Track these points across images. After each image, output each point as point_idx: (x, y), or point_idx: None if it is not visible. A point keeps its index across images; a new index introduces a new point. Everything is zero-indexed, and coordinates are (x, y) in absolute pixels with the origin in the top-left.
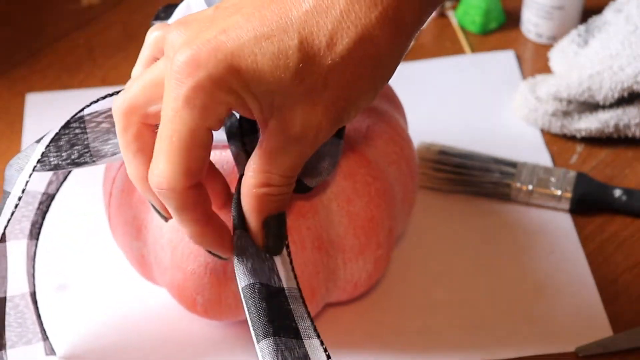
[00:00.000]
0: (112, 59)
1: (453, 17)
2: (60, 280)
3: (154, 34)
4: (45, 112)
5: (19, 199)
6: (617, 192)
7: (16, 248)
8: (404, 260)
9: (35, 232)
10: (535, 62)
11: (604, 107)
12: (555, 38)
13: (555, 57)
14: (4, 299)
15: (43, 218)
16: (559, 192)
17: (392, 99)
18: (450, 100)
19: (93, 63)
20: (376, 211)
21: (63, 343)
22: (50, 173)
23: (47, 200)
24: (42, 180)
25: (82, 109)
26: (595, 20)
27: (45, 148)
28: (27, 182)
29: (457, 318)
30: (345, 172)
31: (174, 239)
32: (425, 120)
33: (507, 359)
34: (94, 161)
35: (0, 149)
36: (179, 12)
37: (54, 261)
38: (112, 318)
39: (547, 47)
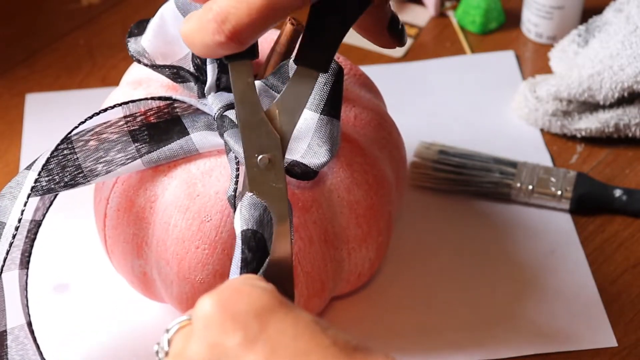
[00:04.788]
0: (112, 59)
1: (453, 17)
2: (56, 286)
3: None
4: (44, 113)
5: (16, 229)
6: (617, 192)
7: (10, 279)
8: (403, 260)
9: (25, 261)
10: (535, 62)
11: (604, 107)
12: (555, 38)
13: (555, 57)
14: (5, 332)
15: (31, 246)
16: (559, 192)
17: (370, 86)
18: (450, 100)
19: (93, 63)
20: (375, 198)
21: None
22: (37, 199)
23: (35, 227)
24: (30, 208)
25: (70, 131)
26: (596, 20)
27: (37, 174)
28: (23, 210)
29: (457, 317)
30: (342, 163)
31: (180, 252)
32: (425, 120)
33: (507, 358)
34: (88, 181)
35: (0, 149)
36: (152, 25)
37: (48, 267)
38: (109, 328)
39: (547, 47)
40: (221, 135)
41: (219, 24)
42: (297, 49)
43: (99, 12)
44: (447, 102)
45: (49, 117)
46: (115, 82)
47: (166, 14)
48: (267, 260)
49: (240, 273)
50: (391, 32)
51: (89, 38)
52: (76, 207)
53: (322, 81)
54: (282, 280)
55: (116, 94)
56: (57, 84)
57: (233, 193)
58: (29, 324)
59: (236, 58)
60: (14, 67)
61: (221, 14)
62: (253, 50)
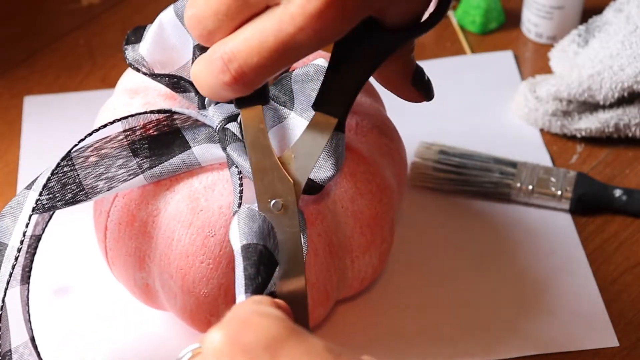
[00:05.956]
0: (112, 59)
1: (453, 17)
2: (56, 290)
3: None
4: (43, 115)
5: (19, 250)
6: (617, 192)
7: (12, 296)
8: (404, 260)
9: (25, 276)
10: (535, 62)
11: (604, 107)
12: (555, 38)
13: (555, 57)
14: (10, 351)
15: (32, 261)
16: (559, 192)
17: (369, 90)
18: (450, 100)
19: (93, 63)
20: (379, 206)
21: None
22: (37, 215)
23: (35, 242)
24: (30, 224)
25: (71, 148)
26: (596, 20)
27: (38, 194)
28: (25, 232)
29: (458, 318)
30: (345, 173)
31: (184, 266)
32: (425, 120)
33: (507, 358)
34: (90, 198)
35: (0, 149)
36: (150, 33)
37: (48, 271)
38: (110, 333)
39: (547, 47)
40: (223, 148)
41: (225, 62)
42: (317, 93)
43: (99, 12)
44: (447, 102)
45: (48, 118)
46: (115, 82)
47: (165, 21)
48: (275, 284)
49: (246, 290)
50: (416, 85)
51: (89, 38)
52: (76, 210)
53: None
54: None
55: (113, 103)
56: (57, 84)
57: (238, 208)
58: (32, 339)
59: (247, 103)
60: (14, 67)
61: (229, 52)
62: (264, 94)
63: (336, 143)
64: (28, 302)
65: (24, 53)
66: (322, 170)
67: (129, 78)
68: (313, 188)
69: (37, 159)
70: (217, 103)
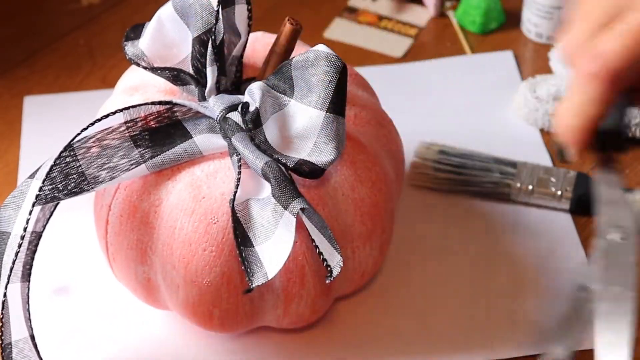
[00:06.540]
0: (112, 59)
1: (453, 17)
2: (56, 289)
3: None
4: (43, 115)
5: (22, 238)
6: None
7: (13, 291)
8: (404, 260)
9: (26, 273)
10: (535, 62)
11: None
12: (555, 38)
13: (555, 57)
14: (10, 344)
15: (32, 258)
16: (559, 192)
17: (365, 86)
18: (450, 100)
19: (93, 63)
20: (379, 195)
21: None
22: (38, 210)
23: (35, 239)
24: (31, 219)
25: (73, 139)
26: None
27: (41, 183)
28: (28, 219)
29: (457, 318)
30: (345, 160)
31: (186, 255)
32: (425, 120)
33: (507, 358)
34: (92, 188)
35: (0, 149)
36: (150, 29)
37: (48, 270)
38: (110, 333)
39: (547, 47)
40: (224, 137)
41: (594, 57)
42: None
43: (99, 12)
44: (447, 102)
45: (48, 118)
46: (115, 82)
47: (164, 17)
48: None
49: None
50: None
51: (89, 38)
52: (77, 209)
53: (326, 79)
54: None
55: (112, 102)
56: (57, 84)
57: (233, 197)
58: (32, 337)
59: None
60: (14, 67)
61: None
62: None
63: (337, 127)
64: (28, 301)
65: (24, 53)
66: (323, 154)
67: (128, 77)
68: (315, 172)
69: (37, 159)
70: (217, 94)
